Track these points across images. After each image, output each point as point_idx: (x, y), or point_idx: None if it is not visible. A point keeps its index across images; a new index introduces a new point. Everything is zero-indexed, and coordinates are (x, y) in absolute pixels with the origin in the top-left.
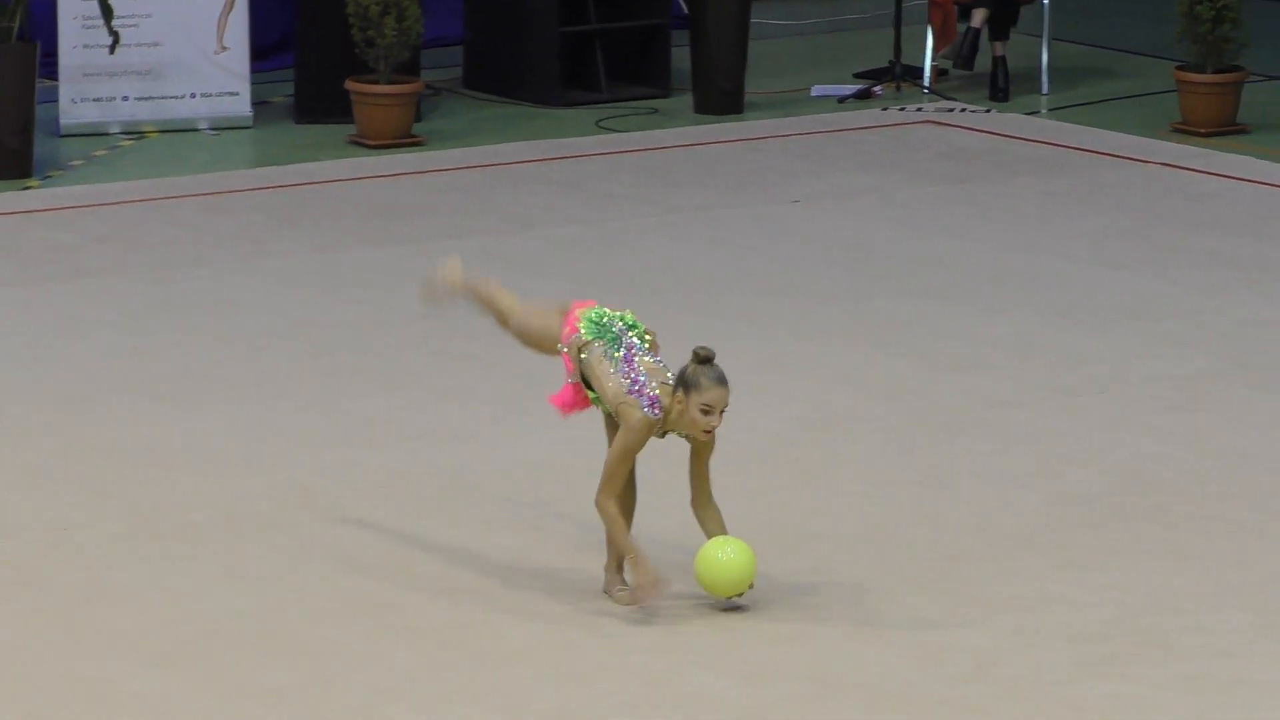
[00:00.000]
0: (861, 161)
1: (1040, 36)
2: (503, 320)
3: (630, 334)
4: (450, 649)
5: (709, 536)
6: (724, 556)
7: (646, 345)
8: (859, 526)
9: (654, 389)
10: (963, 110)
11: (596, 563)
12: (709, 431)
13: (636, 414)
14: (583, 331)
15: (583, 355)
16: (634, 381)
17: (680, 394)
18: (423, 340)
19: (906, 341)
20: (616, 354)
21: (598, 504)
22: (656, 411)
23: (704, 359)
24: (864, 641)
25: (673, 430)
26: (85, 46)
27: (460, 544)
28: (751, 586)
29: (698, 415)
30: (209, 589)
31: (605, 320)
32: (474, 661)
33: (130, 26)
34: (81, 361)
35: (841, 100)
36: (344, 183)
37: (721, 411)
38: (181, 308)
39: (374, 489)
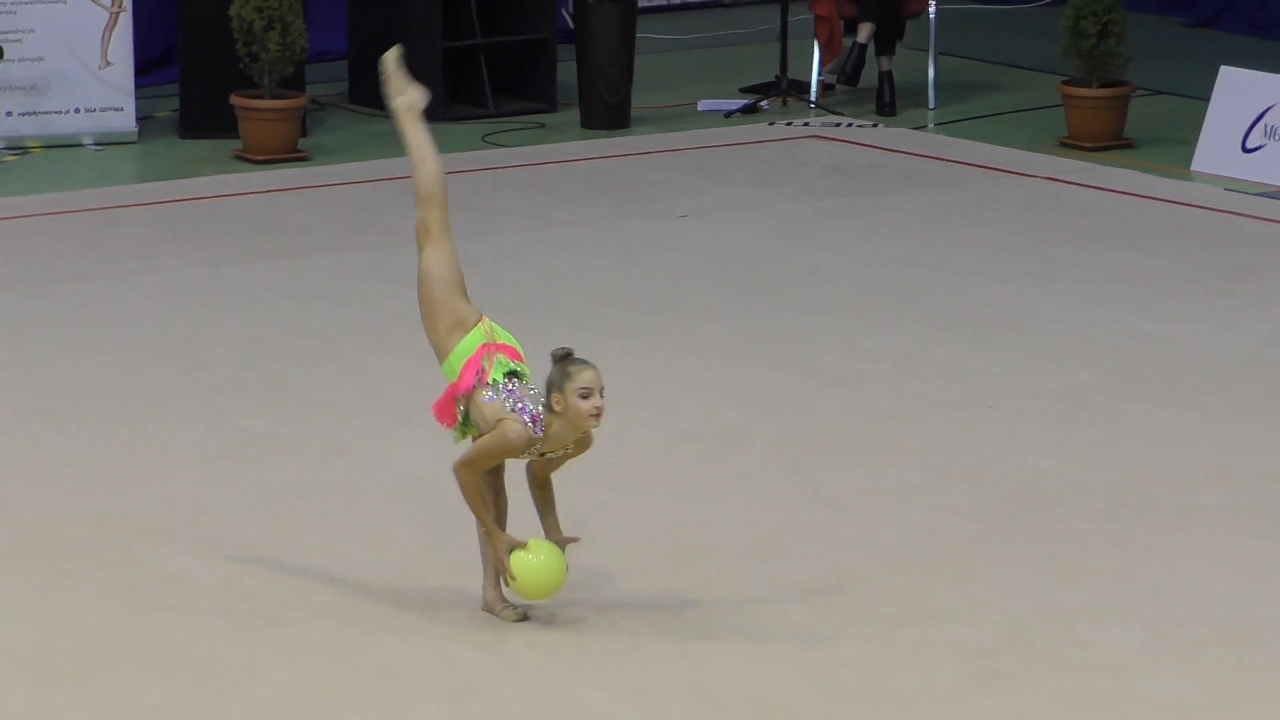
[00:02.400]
0: (748, 176)
1: (927, 51)
2: (423, 226)
3: (513, 382)
4: (333, 665)
5: (538, 506)
6: (536, 560)
7: (529, 386)
8: (744, 542)
9: (537, 410)
10: (849, 125)
11: (479, 579)
12: (598, 414)
13: (517, 427)
14: (491, 377)
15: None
16: (517, 401)
17: (555, 394)
18: (306, 355)
19: (792, 356)
20: (496, 381)
21: (456, 472)
22: (538, 430)
23: (562, 356)
24: (750, 657)
25: (551, 449)
26: None
27: (344, 560)
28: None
29: (580, 403)
30: (93, 604)
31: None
32: (357, 678)
33: (14, 42)
34: None
35: (728, 115)
36: (229, 198)
37: (600, 391)
38: (64, 322)
39: (257, 504)
